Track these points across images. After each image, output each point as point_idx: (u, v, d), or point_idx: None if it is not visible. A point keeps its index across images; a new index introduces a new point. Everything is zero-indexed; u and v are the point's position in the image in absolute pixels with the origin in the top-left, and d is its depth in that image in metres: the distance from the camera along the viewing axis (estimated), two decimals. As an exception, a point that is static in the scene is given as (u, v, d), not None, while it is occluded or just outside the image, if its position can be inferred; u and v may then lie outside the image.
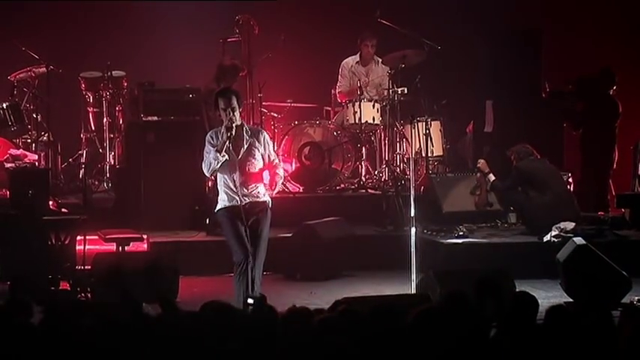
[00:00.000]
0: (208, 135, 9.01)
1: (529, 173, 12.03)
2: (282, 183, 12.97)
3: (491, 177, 12.28)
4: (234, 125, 8.84)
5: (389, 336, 5.62)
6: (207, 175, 9.09)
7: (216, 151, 8.84)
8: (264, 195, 9.03)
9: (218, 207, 9.06)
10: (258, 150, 8.99)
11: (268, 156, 9.06)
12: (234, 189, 8.90)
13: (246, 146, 8.94)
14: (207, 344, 5.53)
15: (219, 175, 9.00)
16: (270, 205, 9.07)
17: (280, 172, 9.15)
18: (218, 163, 8.86)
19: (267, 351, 5.55)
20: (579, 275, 10.08)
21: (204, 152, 8.97)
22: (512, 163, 12.20)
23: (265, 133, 9.25)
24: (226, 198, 8.96)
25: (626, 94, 14.90)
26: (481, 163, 12.43)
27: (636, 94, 14.85)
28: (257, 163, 8.98)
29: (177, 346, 5.46)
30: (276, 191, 9.12)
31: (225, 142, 8.83)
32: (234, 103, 8.89)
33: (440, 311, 5.82)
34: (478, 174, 12.53)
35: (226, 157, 8.85)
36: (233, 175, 8.90)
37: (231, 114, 8.85)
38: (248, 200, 8.93)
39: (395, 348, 5.55)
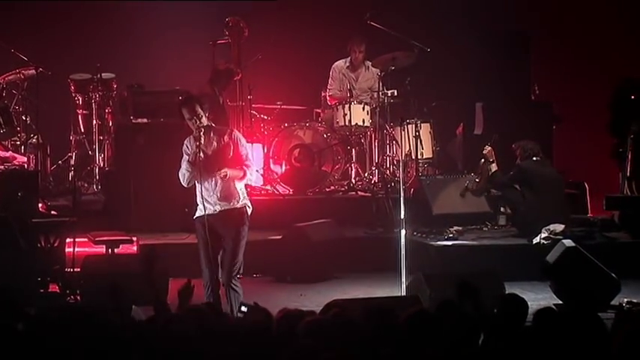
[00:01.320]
0: (184, 144, 8.94)
1: (530, 175, 12.01)
2: (272, 185, 13.01)
3: (494, 166, 12.24)
4: (201, 133, 8.72)
5: (380, 338, 5.63)
6: (185, 185, 8.98)
7: (188, 161, 8.77)
8: (241, 200, 8.91)
9: (195, 215, 8.99)
10: (228, 152, 8.85)
11: (239, 154, 8.87)
12: (208, 197, 8.82)
13: (213, 150, 8.84)
14: (197, 347, 5.52)
15: (196, 182, 8.90)
16: (248, 211, 8.94)
17: (251, 173, 8.89)
18: (191, 174, 8.78)
19: (262, 353, 5.56)
20: (568, 277, 10.10)
21: (181, 161, 8.89)
22: (516, 157, 12.18)
23: (235, 132, 9.09)
24: (202, 206, 8.87)
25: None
26: (487, 150, 12.35)
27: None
28: (228, 165, 8.83)
29: (167, 349, 5.45)
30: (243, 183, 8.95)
31: (195, 151, 8.73)
32: (199, 110, 8.79)
33: (431, 314, 5.83)
34: (482, 160, 12.48)
35: (197, 166, 8.73)
36: (205, 182, 8.82)
37: (198, 122, 8.77)
38: (221, 208, 8.83)
39: (386, 350, 5.56)
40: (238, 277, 8.94)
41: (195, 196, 8.97)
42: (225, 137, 8.88)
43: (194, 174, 8.77)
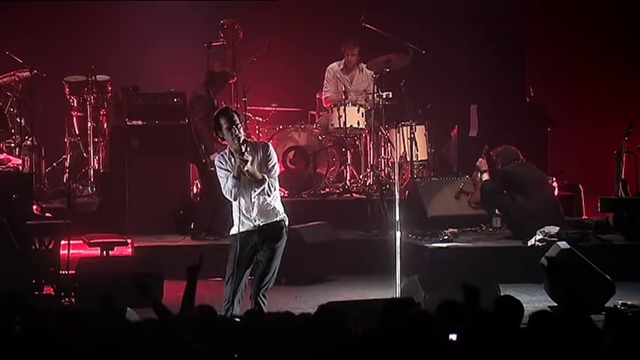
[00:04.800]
0: (217, 161, 8.74)
1: (515, 178, 12.05)
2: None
3: (485, 177, 12.29)
4: (243, 149, 8.53)
5: (376, 339, 5.64)
6: (233, 200, 8.74)
7: (234, 176, 8.58)
8: (279, 214, 8.80)
9: (231, 231, 8.82)
10: (263, 166, 8.70)
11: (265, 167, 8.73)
12: (246, 212, 8.68)
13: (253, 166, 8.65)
14: (193, 348, 5.52)
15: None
16: (286, 224, 8.84)
17: (270, 185, 8.67)
18: (238, 190, 8.60)
19: (253, 354, 5.56)
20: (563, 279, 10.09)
21: (219, 177, 8.70)
22: (496, 165, 12.23)
23: (269, 146, 8.90)
24: (239, 222, 8.71)
25: (611, 99, 14.99)
26: (480, 161, 12.43)
27: (621, 99, 14.92)
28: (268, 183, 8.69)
29: (160, 351, 5.45)
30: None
31: (239, 164, 8.54)
32: (237, 120, 8.61)
33: (429, 316, 5.83)
34: (475, 171, 12.51)
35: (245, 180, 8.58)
36: (245, 198, 8.67)
37: (237, 131, 8.59)
38: (260, 223, 8.70)
39: (382, 352, 5.56)
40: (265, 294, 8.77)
41: (232, 211, 8.79)
42: (261, 152, 8.75)
43: (240, 188, 8.63)
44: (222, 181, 8.72)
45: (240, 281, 8.73)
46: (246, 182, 8.67)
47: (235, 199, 8.71)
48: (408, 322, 5.67)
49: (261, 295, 8.70)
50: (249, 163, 8.59)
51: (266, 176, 8.67)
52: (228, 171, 8.65)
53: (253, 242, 8.75)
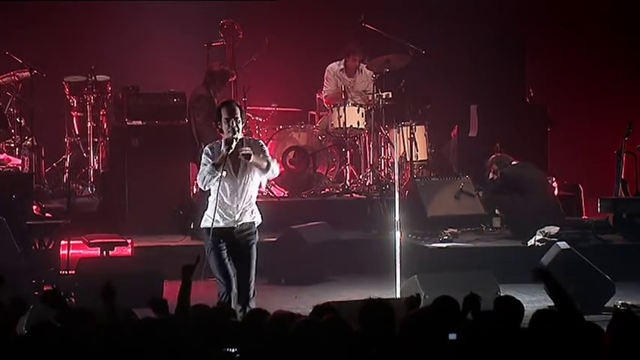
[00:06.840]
0: (207, 147, 8.71)
1: (515, 179, 12.07)
2: (267, 187, 13.00)
3: (491, 175, 12.35)
4: (234, 138, 8.50)
5: (377, 340, 5.65)
6: (202, 187, 8.75)
7: (213, 164, 8.56)
8: (255, 215, 8.75)
9: (206, 224, 8.68)
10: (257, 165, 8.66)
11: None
12: (228, 208, 8.63)
13: (243, 164, 8.61)
14: (194, 348, 5.52)
15: (212, 189, 8.63)
16: (258, 224, 8.77)
17: (274, 168, 8.66)
18: (213, 177, 8.56)
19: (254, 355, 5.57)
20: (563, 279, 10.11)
21: (202, 164, 8.66)
22: (494, 174, 12.28)
23: (262, 142, 8.87)
24: (218, 217, 8.62)
25: (611, 99, 15.00)
26: (492, 158, 12.53)
27: (621, 99, 14.93)
28: (254, 181, 8.67)
29: (161, 351, 5.45)
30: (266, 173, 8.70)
31: (225, 158, 8.52)
32: (238, 114, 8.58)
33: (431, 316, 5.83)
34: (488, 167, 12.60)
35: (225, 172, 8.53)
36: (229, 193, 8.62)
37: (234, 124, 8.55)
38: (239, 221, 8.65)
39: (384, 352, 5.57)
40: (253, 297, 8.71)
41: (207, 204, 8.70)
42: (255, 148, 8.65)
43: (216, 177, 8.56)
44: (201, 168, 8.65)
45: (227, 271, 8.65)
46: (234, 178, 8.61)
47: (205, 188, 8.65)
48: (407, 322, 5.68)
49: (250, 305, 8.63)
50: (252, 157, 8.52)
51: (270, 162, 8.62)
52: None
53: (230, 240, 8.64)
